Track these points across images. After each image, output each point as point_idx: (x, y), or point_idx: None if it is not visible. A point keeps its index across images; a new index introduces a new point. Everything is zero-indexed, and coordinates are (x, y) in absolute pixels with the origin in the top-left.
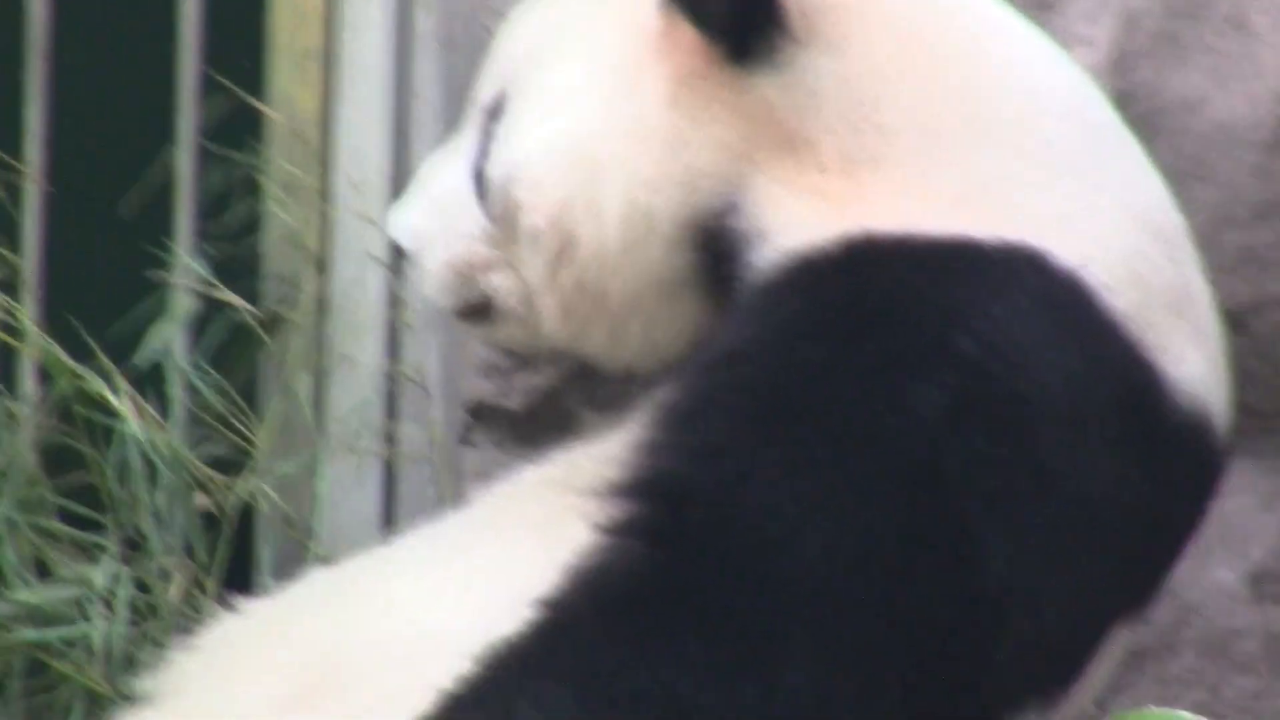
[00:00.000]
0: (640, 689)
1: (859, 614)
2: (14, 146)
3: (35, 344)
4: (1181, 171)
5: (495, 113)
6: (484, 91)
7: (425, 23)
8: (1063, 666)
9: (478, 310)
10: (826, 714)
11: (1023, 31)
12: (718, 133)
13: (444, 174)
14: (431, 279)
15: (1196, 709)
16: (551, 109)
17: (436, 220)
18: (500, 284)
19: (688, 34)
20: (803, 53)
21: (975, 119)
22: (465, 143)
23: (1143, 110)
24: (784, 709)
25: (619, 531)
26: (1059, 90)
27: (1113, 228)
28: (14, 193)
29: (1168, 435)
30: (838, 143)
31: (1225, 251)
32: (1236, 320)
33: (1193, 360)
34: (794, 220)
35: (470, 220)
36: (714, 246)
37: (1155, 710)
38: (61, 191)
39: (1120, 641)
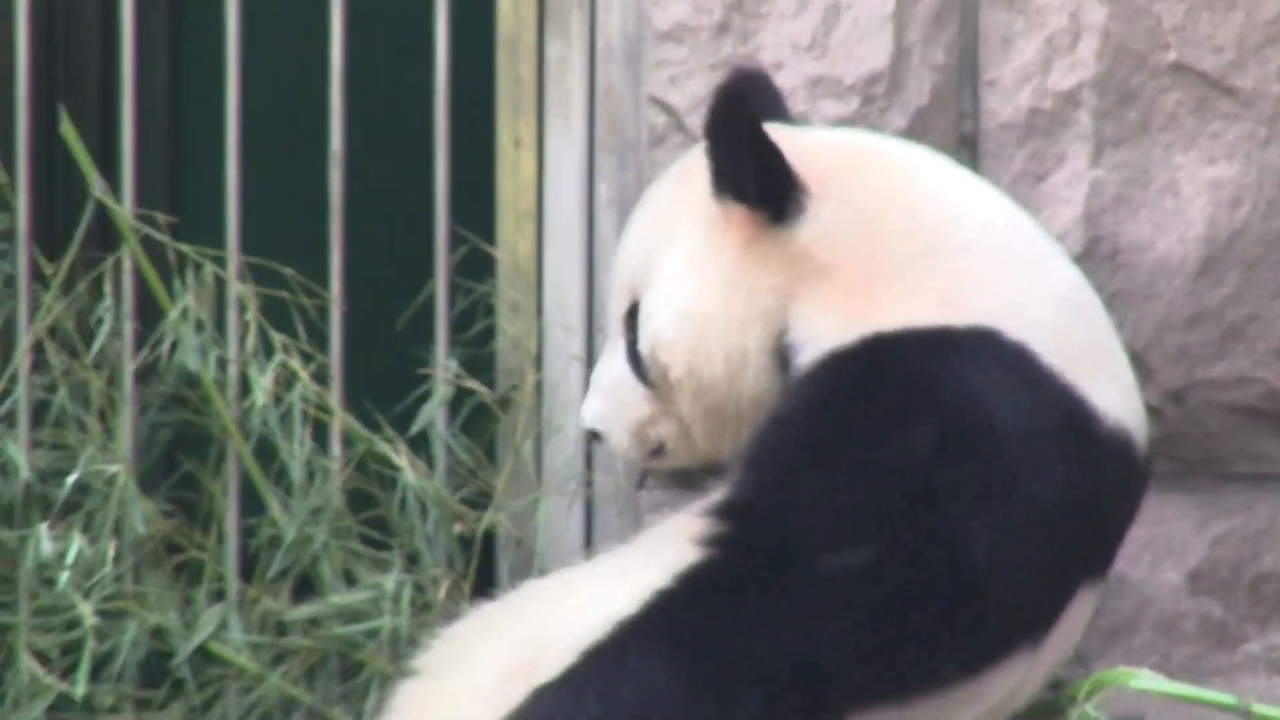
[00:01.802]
0: (716, 639)
1: (878, 590)
2: (322, 281)
3: (340, 419)
4: (1135, 294)
5: (632, 314)
6: (617, 304)
7: (605, 191)
8: (1039, 618)
9: (654, 453)
10: (857, 659)
11: (969, 180)
12: (774, 278)
13: (608, 370)
14: (619, 444)
15: (1153, 669)
16: (668, 292)
17: (611, 403)
18: (664, 430)
19: (739, 211)
20: (820, 205)
21: (943, 242)
22: (614, 345)
23: (1107, 250)
24: (822, 654)
25: (706, 542)
26: (998, 218)
27: (1045, 309)
28: (323, 314)
29: (1100, 447)
30: (851, 269)
31: (1167, 350)
32: (1175, 398)
33: (1112, 395)
34: (825, 330)
35: (633, 392)
36: (779, 359)
37: (1124, 669)
38: (355, 313)
39: (1089, 601)
